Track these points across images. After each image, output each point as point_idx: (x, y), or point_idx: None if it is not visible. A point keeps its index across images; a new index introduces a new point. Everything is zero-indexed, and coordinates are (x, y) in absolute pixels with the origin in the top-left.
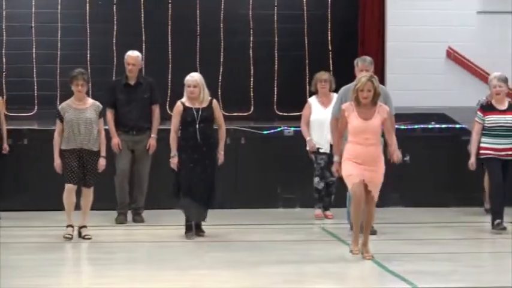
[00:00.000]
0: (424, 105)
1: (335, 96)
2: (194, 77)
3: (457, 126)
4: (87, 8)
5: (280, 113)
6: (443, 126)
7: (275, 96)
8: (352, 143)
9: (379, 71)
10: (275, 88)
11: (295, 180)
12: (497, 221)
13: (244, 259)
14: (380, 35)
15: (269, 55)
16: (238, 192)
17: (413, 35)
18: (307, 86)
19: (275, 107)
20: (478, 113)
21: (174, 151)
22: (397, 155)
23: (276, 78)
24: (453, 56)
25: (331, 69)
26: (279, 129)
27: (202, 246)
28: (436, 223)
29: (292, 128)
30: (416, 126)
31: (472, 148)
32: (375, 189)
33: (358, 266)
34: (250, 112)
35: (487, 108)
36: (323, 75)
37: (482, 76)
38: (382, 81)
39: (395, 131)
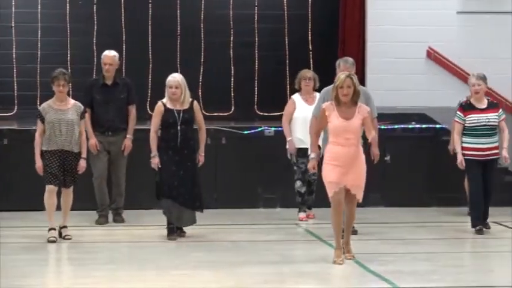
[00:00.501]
0: (404, 106)
1: (318, 95)
2: (176, 78)
3: (438, 126)
4: (68, 8)
5: (261, 113)
6: (424, 126)
7: (256, 96)
8: (333, 143)
9: (360, 71)
10: (255, 88)
11: (276, 180)
12: (478, 227)
13: (225, 259)
14: (360, 35)
15: (250, 55)
16: (219, 192)
17: (393, 35)
18: (288, 86)
19: (256, 107)
20: (458, 112)
21: (154, 151)
22: (376, 154)
23: (256, 78)
24: (433, 56)
25: (311, 69)
26: (259, 129)
27: (183, 247)
28: (416, 223)
29: (273, 128)
30: (396, 126)
31: (457, 147)
32: (359, 193)
33: (339, 266)
34: (230, 112)
35: (467, 107)
36: (307, 73)
37: (462, 76)
38: (362, 81)
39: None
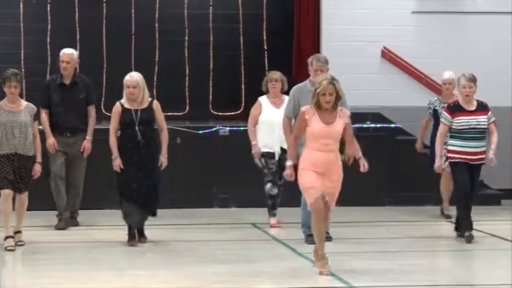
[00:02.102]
0: (359, 105)
1: (287, 98)
2: (134, 77)
3: (393, 125)
4: (21, 7)
5: (216, 113)
6: (379, 125)
7: (210, 96)
8: (311, 149)
9: None
10: (210, 88)
11: (231, 180)
12: (468, 233)
13: (180, 259)
14: (315, 35)
15: (204, 54)
16: (174, 192)
17: (348, 35)
18: (243, 86)
19: (210, 106)
20: (444, 113)
21: (115, 153)
22: (364, 164)
23: (211, 77)
24: (388, 56)
25: (266, 68)
26: (214, 129)
27: (138, 247)
28: (371, 222)
29: (228, 128)
30: (351, 126)
31: (438, 150)
32: (332, 200)
33: (294, 266)
34: (185, 112)
35: (455, 109)
36: (274, 75)
37: (417, 76)
38: None
39: None
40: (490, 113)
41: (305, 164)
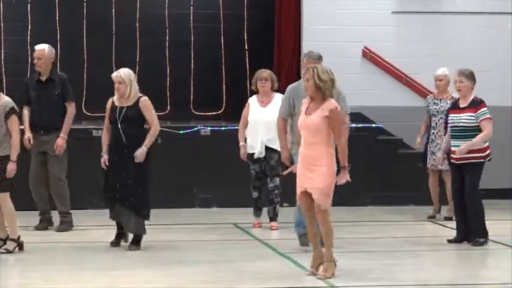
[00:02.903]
0: None
1: (277, 96)
2: (119, 73)
3: (373, 125)
4: (1, 6)
5: (197, 113)
6: (360, 125)
7: (192, 96)
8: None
9: (295, 70)
10: (191, 87)
11: (212, 180)
12: (482, 239)
13: (161, 259)
14: (296, 34)
15: (185, 54)
16: (155, 192)
17: (329, 34)
18: (224, 86)
19: (192, 106)
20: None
21: (103, 150)
22: (342, 176)
23: (192, 77)
24: (369, 55)
25: (247, 68)
26: (195, 128)
27: (119, 247)
28: (353, 222)
29: (209, 128)
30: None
31: (445, 143)
32: (317, 196)
33: (276, 265)
34: (166, 112)
35: (452, 106)
36: (263, 73)
37: (397, 76)
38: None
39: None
40: (482, 110)
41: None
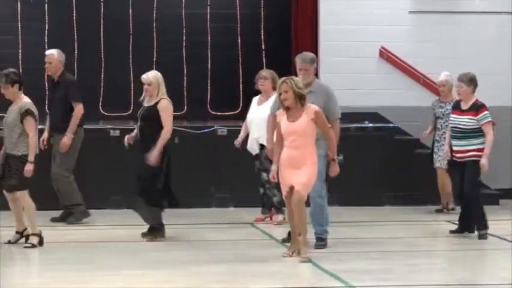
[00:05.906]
0: (357, 105)
1: (275, 95)
2: (148, 76)
3: (391, 125)
4: (19, 6)
5: (214, 113)
6: (377, 125)
7: (208, 96)
8: (285, 146)
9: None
10: (208, 87)
11: (229, 180)
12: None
13: (177, 259)
14: (313, 34)
15: (202, 54)
16: (172, 191)
17: (346, 34)
18: (241, 85)
19: (208, 106)
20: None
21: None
22: (333, 169)
23: (209, 77)
24: (386, 55)
25: (264, 68)
26: (212, 128)
27: (134, 246)
28: (370, 222)
29: (226, 128)
30: (350, 126)
31: (447, 139)
32: (300, 187)
33: (293, 265)
34: (183, 111)
35: (454, 107)
36: (262, 72)
37: (414, 75)
38: None
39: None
40: (483, 114)
41: (280, 161)
